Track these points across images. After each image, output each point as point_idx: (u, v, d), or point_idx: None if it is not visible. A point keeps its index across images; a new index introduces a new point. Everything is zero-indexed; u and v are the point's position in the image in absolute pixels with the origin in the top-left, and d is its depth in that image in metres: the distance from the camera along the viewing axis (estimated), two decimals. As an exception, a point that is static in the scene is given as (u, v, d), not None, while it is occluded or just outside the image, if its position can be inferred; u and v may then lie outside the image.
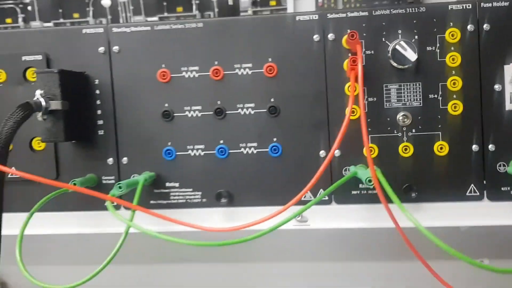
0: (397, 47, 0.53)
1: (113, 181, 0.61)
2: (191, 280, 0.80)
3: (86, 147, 0.61)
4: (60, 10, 1.54)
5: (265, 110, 0.58)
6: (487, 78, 0.54)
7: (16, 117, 0.49)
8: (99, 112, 0.60)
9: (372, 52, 0.55)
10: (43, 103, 0.52)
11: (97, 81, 0.60)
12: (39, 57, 0.59)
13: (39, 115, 0.53)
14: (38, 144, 0.61)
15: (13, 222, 0.60)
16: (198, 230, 0.55)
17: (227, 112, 0.58)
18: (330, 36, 0.56)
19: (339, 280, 0.78)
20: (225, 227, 0.53)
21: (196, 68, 0.58)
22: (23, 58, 0.60)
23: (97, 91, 0.60)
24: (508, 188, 0.56)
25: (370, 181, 0.50)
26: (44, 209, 0.59)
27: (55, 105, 0.53)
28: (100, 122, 0.60)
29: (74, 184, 0.57)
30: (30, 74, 0.60)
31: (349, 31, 0.52)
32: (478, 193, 0.56)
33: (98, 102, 0.60)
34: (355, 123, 0.55)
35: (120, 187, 0.53)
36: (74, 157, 0.61)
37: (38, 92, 0.52)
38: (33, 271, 0.66)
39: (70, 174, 0.60)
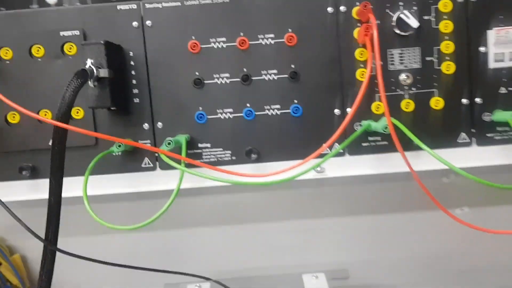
0: (402, 16, 0.62)
1: (149, 145, 0.67)
2: (209, 245, 0.86)
3: (122, 114, 0.66)
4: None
5: (286, 75, 0.65)
6: (474, 42, 0.65)
7: (76, 83, 0.54)
8: (134, 82, 0.66)
9: (378, 22, 0.64)
10: (94, 71, 0.58)
11: (131, 53, 0.65)
12: (77, 32, 0.64)
13: (90, 82, 0.58)
14: (76, 113, 0.66)
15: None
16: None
17: (252, 78, 0.66)
18: (342, 8, 0.64)
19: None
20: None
21: (224, 39, 0.65)
22: (61, 33, 0.64)
23: (132, 63, 0.65)
24: (493, 134, 0.66)
25: (386, 128, 0.59)
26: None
27: (103, 73, 0.59)
28: (136, 91, 0.66)
29: (119, 146, 0.63)
30: (68, 48, 0.65)
31: (361, 2, 0.61)
32: (468, 140, 0.67)
33: (133, 72, 0.65)
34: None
35: (169, 143, 0.60)
36: (111, 124, 0.66)
37: (89, 61, 0.58)
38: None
39: (108, 141, 0.66)
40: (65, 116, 0.53)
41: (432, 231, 0.88)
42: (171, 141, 0.60)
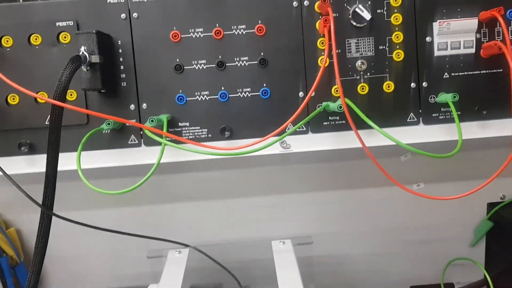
0: (357, 9, 0.71)
1: (135, 123, 0.75)
2: (189, 217, 0.95)
3: (111, 96, 0.74)
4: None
5: (256, 62, 0.74)
6: (421, 33, 0.74)
7: (71, 67, 0.62)
8: (122, 67, 0.74)
9: (337, 14, 0.73)
10: (87, 57, 0.66)
11: (120, 42, 0.73)
12: (71, 23, 0.72)
13: (83, 67, 0.66)
14: (70, 96, 0.74)
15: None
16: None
17: (226, 64, 0.74)
18: (306, 2, 0.73)
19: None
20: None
21: (201, 29, 0.74)
22: (57, 24, 0.72)
23: (120, 50, 0.74)
24: (437, 114, 0.76)
25: (341, 107, 0.68)
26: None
27: (95, 58, 0.67)
28: (123, 75, 0.74)
29: (108, 124, 0.71)
30: (63, 37, 0.73)
31: (321, -2, 0.70)
32: (415, 119, 0.76)
33: (121, 59, 0.74)
34: (325, 70, 0.72)
35: (152, 120, 0.68)
36: (101, 105, 0.75)
37: (82, 48, 0.66)
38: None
39: (98, 120, 0.74)
40: (62, 96, 0.61)
41: (391, 206, 0.97)
42: (154, 119, 0.69)
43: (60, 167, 0.66)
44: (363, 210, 0.97)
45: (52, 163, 0.63)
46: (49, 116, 0.72)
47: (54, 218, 0.68)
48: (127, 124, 0.75)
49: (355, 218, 0.97)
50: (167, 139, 0.72)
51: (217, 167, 0.92)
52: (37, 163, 0.76)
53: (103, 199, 0.93)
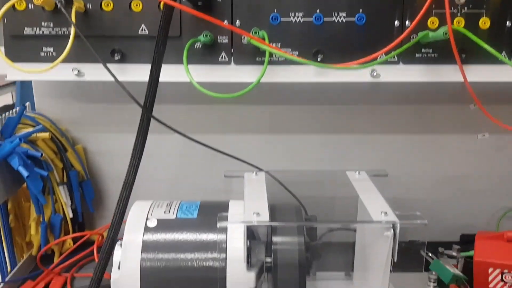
0: None
1: (226, 41, 0.75)
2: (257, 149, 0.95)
3: (205, 11, 0.74)
4: None
5: (356, -14, 0.74)
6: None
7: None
8: (219, -18, 0.73)
9: None
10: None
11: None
12: None
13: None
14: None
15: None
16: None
17: (324, -13, 0.74)
18: None
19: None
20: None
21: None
22: None
23: (220, -35, 0.73)
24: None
25: (446, 33, 0.67)
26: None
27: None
28: (220, -10, 0.73)
29: (206, 36, 0.71)
30: None
31: None
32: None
33: (220, -27, 0.73)
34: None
35: (255, 32, 0.68)
36: (194, 19, 0.74)
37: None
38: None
39: (190, 34, 0.74)
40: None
41: (452, 153, 0.98)
42: (257, 31, 0.68)
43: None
44: (424, 155, 0.98)
45: (157, 64, 0.63)
46: (142, 25, 0.72)
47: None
48: (219, 41, 0.75)
49: (415, 163, 0.98)
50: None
51: (291, 100, 0.92)
52: (127, 72, 0.76)
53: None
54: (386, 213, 0.64)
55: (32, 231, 0.88)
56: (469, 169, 0.98)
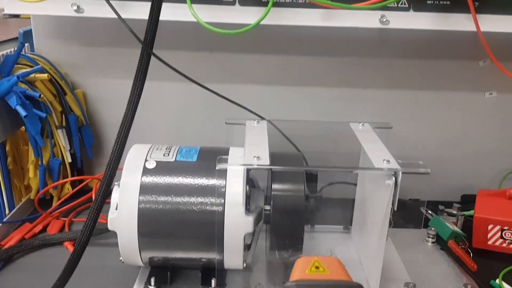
0: None
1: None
2: (259, 99, 0.94)
3: None
4: None
5: None
6: None
7: None
8: None
9: None
10: None
11: None
12: None
13: None
14: None
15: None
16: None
17: None
18: None
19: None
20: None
21: None
22: None
23: None
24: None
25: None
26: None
27: None
28: None
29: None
30: None
31: None
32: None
33: None
34: None
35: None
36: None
37: None
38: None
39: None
40: None
41: (459, 112, 0.96)
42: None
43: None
44: (429, 112, 0.96)
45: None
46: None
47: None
48: (224, -20, 0.72)
49: (419, 119, 0.96)
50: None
51: (296, 51, 0.90)
52: (128, 9, 0.73)
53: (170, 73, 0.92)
54: (388, 161, 0.63)
55: (31, 174, 0.88)
56: (474, 128, 0.97)
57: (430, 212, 0.90)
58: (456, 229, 0.83)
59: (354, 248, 0.81)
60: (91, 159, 0.96)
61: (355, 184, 0.83)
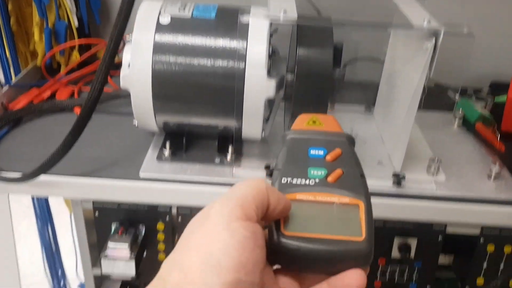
0: None
1: None
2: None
3: None
4: None
5: None
6: None
7: None
8: None
9: None
10: None
11: None
12: None
13: None
14: None
15: None
16: None
17: None
18: None
19: None
20: None
21: None
22: None
23: None
24: None
25: None
26: None
27: None
28: None
29: None
30: None
31: None
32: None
33: None
34: None
35: None
36: None
37: None
38: None
39: None
40: None
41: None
42: None
43: None
44: None
45: None
46: None
47: None
48: None
49: None
50: None
51: None
52: None
53: None
54: (429, 21, 0.56)
55: (36, 37, 0.82)
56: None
57: (458, 96, 0.85)
58: (485, 111, 0.79)
59: (377, 129, 0.77)
60: (99, 25, 0.90)
61: (383, 62, 0.77)
